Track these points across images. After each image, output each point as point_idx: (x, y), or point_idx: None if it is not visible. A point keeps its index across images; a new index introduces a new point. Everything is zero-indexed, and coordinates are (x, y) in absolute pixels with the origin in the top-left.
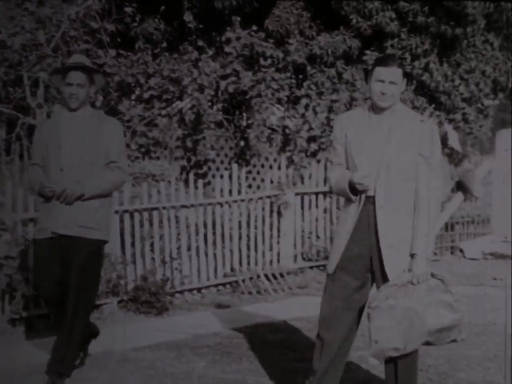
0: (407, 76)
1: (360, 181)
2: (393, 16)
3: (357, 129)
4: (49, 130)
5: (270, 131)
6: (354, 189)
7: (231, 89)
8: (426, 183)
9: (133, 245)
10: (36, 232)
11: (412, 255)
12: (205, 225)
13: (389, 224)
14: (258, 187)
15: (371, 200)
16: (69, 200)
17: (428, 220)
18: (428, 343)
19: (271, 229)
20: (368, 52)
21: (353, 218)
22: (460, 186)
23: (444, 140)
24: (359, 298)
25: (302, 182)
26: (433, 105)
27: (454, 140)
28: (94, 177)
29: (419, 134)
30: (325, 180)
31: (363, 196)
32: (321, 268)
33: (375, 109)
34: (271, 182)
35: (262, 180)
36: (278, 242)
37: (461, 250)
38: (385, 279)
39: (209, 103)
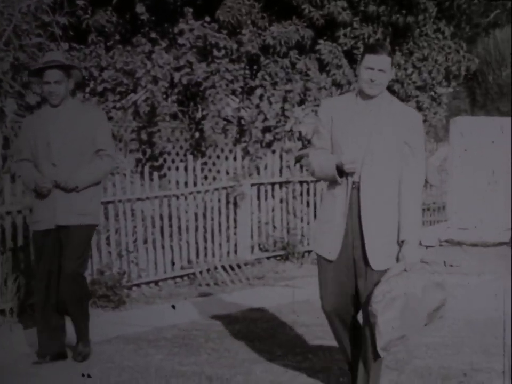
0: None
1: (347, 162)
2: (345, 5)
3: (344, 114)
4: (35, 126)
5: (225, 122)
6: (341, 172)
7: (185, 80)
8: (412, 171)
9: None
10: (31, 224)
11: (402, 242)
12: (161, 218)
13: (372, 210)
14: (214, 178)
15: (356, 185)
16: (65, 192)
17: (415, 206)
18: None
19: (227, 220)
20: (321, 41)
21: (345, 200)
22: None
23: None
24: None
25: (258, 173)
26: None
27: None
28: (85, 167)
29: (405, 122)
30: (280, 170)
31: (350, 180)
32: (278, 258)
33: (363, 95)
34: (227, 173)
35: (218, 171)
36: (235, 234)
37: None
38: (366, 265)
39: (164, 95)
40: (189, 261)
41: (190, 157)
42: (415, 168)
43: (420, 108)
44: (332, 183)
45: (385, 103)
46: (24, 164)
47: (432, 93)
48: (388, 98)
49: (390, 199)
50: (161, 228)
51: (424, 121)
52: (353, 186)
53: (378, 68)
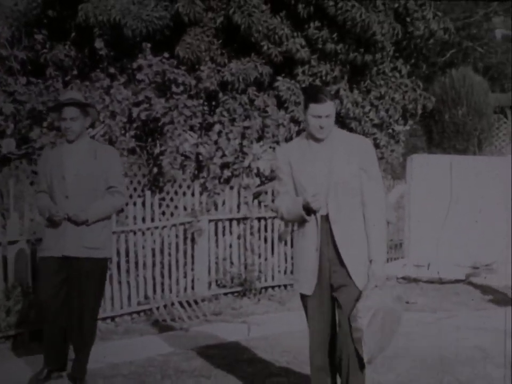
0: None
1: (312, 200)
2: (303, 43)
3: (300, 157)
4: (52, 160)
5: (183, 158)
6: (308, 210)
7: (143, 116)
8: (371, 194)
9: None
10: (40, 251)
11: (370, 261)
12: (118, 253)
13: (345, 237)
14: (171, 214)
15: (325, 218)
16: (75, 224)
17: (379, 226)
18: None
19: (185, 256)
20: (279, 78)
21: (316, 235)
22: None
23: None
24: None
25: (216, 209)
26: None
27: None
28: (96, 202)
29: (357, 150)
30: (238, 206)
31: (318, 215)
32: (235, 294)
33: (314, 138)
34: (185, 208)
35: (176, 207)
36: (192, 269)
37: None
38: (346, 285)
39: (122, 130)
40: (146, 297)
41: (148, 192)
42: (373, 190)
43: (377, 146)
44: (301, 223)
45: (336, 137)
46: (41, 195)
47: (390, 131)
48: (336, 132)
49: (358, 223)
50: (118, 263)
51: (381, 158)
52: (323, 219)
53: (325, 114)
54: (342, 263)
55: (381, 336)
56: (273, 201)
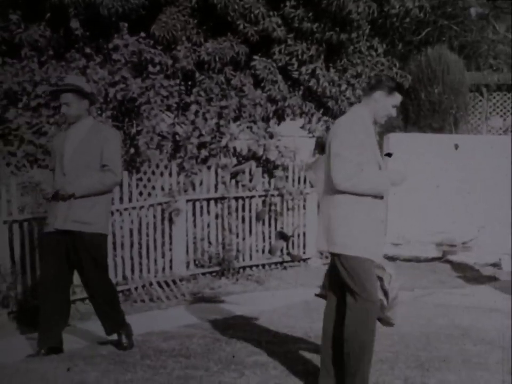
0: (295, 81)
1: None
2: (280, 22)
3: (369, 134)
4: (57, 141)
5: (159, 138)
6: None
7: (119, 96)
8: None
9: (23, 255)
10: (44, 227)
11: None
12: None
13: None
14: (149, 194)
15: None
16: (63, 198)
17: None
18: None
19: (162, 236)
20: (256, 57)
21: (385, 207)
22: None
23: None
24: None
25: (193, 189)
26: (321, 111)
27: None
28: (85, 178)
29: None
30: (216, 186)
31: None
32: (213, 274)
33: (375, 122)
34: (162, 189)
35: (153, 187)
36: (170, 249)
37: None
38: None
39: (98, 111)
40: (124, 277)
41: (125, 173)
42: None
43: None
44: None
45: None
46: (48, 173)
47: None
48: None
49: None
50: None
51: None
52: None
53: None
54: None
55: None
56: (250, 180)
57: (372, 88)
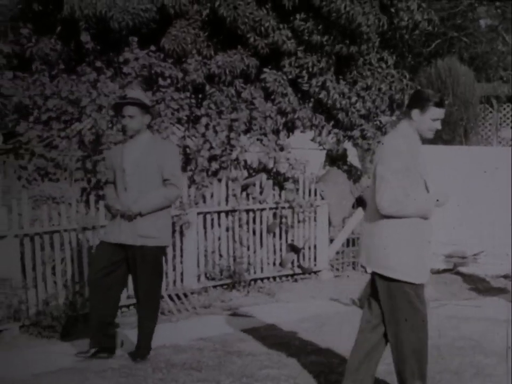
0: (305, 94)
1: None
2: (289, 34)
3: (416, 154)
4: (115, 155)
5: None
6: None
7: None
8: None
9: (34, 269)
10: (103, 235)
11: None
12: None
13: None
14: None
15: None
16: (130, 218)
17: None
18: None
19: (173, 249)
20: (266, 70)
21: (430, 228)
22: (360, 202)
23: (343, 157)
24: None
25: (204, 201)
26: (331, 123)
27: (353, 157)
28: (148, 194)
29: None
30: (226, 199)
31: None
32: (224, 286)
33: (422, 138)
34: None
35: None
36: (181, 262)
37: (363, 266)
38: None
39: (109, 124)
40: None
41: None
42: None
43: (364, 137)
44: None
45: None
46: (109, 186)
47: (377, 122)
48: None
49: None
50: None
51: (368, 149)
52: None
53: (442, 118)
54: None
55: None
56: (261, 193)
57: (407, 106)
